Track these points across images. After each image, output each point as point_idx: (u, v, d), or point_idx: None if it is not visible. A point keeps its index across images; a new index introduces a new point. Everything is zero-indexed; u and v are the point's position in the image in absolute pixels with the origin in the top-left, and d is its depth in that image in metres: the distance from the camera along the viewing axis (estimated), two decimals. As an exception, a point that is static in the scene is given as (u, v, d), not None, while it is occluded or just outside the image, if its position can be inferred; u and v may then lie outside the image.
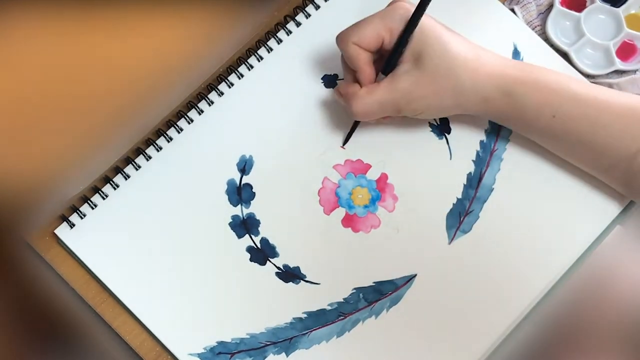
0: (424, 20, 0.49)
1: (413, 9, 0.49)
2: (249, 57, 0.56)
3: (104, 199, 0.53)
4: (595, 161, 0.52)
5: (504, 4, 0.59)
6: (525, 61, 0.57)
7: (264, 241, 0.53)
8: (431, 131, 0.56)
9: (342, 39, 0.51)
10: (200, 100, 0.55)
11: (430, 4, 0.54)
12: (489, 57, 0.51)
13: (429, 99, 0.50)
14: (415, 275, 0.53)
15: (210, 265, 0.52)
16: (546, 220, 0.54)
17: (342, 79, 0.56)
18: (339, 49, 0.52)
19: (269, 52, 0.57)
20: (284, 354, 0.51)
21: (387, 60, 0.51)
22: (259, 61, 0.56)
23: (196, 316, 0.51)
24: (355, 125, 0.55)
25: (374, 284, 0.53)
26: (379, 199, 0.54)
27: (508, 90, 0.50)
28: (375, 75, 0.51)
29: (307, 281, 0.52)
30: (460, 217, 0.54)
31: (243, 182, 0.54)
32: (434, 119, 0.56)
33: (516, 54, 0.57)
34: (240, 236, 0.53)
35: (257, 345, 0.51)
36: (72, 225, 0.52)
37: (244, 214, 0.53)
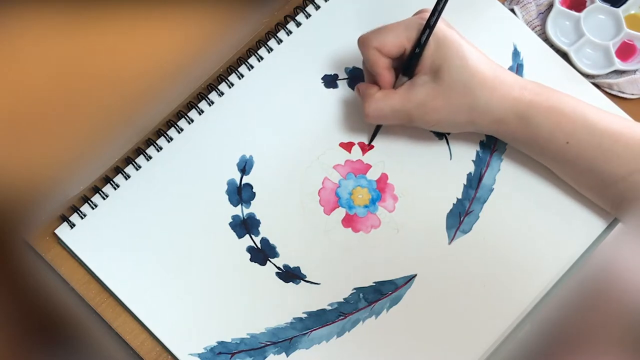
0: (446, 34, 0.49)
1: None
2: (249, 57, 0.56)
3: (104, 199, 0.53)
4: (602, 188, 0.51)
5: (503, 4, 0.59)
6: (527, 64, 0.57)
7: (264, 241, 0.53)
8: (431, 131, 0.56)
9: (363, 42, 0.51)
10: (200, 100, 0.55)
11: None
12: (507, 77, 0.50)
13: (442, 113, 0.50)
14: (415, 275, 0.53)
15: (210, 265, 0.52)
16: (546, 219, 0.54)
17: (343, 79, 0.56)
18: (359, 50, 0.52)
19: (269, 52, 0.57)
20: (284, 354, 0.51)
21: (405, 62, 0.51)
22: (259, 61, 0.56)
23: (196, 316, 0.51)
24: (379, 126, 0.55)
25: (374, 284, 0.53)
26: (379, 199, 0.54)
27: (522, 114, 0.50)
28: (394, 79, 0.52)
29: (307, 281, 0.52)
30: (460, 217, 0.54)
31: (243, 182, 0.54)
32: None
33: (516, 54, 0.57)
34: (240, 236, 0.53)
35: (257, 345, 0.51)
36: (72, 225, 0.52)
37: (244, 214, 0.53)
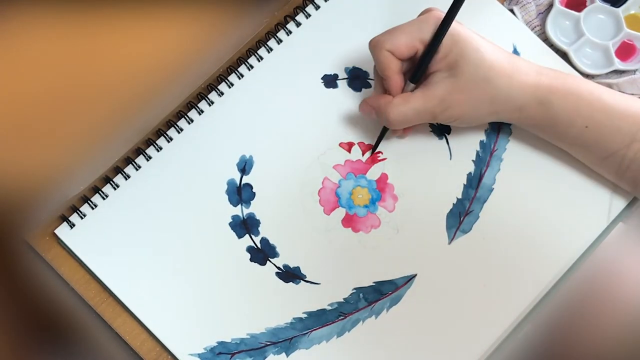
0: (459, 29, 0.50)
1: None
2: (249, 57, 0.56)
3: (104, 199, 0.53)
4: (622, 170, 0.51)
5: (503, 4, 0.59)
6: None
7: (264, 241, 0.53)
8: (431, 131, 0.56)
9: (375, 45, 0.51)
10: (200, 100, 0.55)
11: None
12: (524, 65, 0.51)
13: (465, 107, 0.50)
14: (415, 275, 0.53)
15: (210, 265, 0.52)
16: (546, 219, 0.54)
17: (343, 79, 0.56)
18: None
19: (268, 52, 0.57)
20: (284, 354, 0.51)
21: (416, 67, 0.51)
22: (259, 61, 0.56)
23: (196, 316, 0.51)
24: (384, 132, 0.54)
25: (374, 284, 0.53)
26: (379, 199, 0.54)
27: (542, 99, 0.50)
28: (403, 84, 0.52)
29: (307, 281, 0.52)
30: (460, 217, 0.54)
31: (243, 182, 0.54)
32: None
33: (515, 54, 0.57)
34: (240, 236, 0.53)
35: (257, 345, 0.51)
36: (72, 225, 0.52)
37: (244, 214, 0.53)
